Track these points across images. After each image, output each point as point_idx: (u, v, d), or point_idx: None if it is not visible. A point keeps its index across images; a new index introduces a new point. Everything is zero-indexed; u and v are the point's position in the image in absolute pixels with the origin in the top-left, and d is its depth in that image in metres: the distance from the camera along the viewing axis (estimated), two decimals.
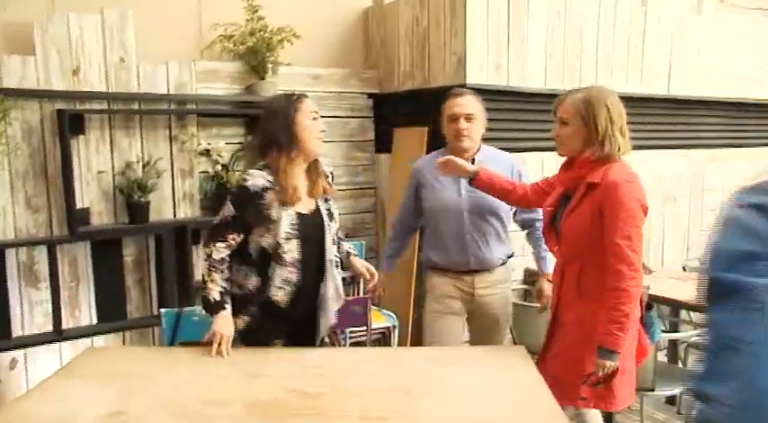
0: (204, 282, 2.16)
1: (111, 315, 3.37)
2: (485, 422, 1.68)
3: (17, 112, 3.04)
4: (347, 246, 2.43)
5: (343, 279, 2.34)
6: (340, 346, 2.19)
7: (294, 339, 2.22)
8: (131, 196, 3.25)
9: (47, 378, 1.95)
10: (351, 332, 3.17)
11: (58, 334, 3.16)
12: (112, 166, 3.30)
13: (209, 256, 2.14)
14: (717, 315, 0.74)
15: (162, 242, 3.37)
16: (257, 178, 2.10)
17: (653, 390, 2.78)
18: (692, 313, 3.66)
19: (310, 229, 2.16)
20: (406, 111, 3.87)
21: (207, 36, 3.60)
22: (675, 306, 3.43)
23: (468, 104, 2.59)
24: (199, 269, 3.53)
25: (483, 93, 3.38)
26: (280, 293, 2.14)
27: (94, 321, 3.34)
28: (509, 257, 2.72)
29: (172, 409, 1.72)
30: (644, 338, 2.17)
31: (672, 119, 4.43)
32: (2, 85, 2.98)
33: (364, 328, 3.04)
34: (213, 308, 2.12)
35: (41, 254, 3.16)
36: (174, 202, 3.48)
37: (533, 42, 3.68)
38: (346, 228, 3.98)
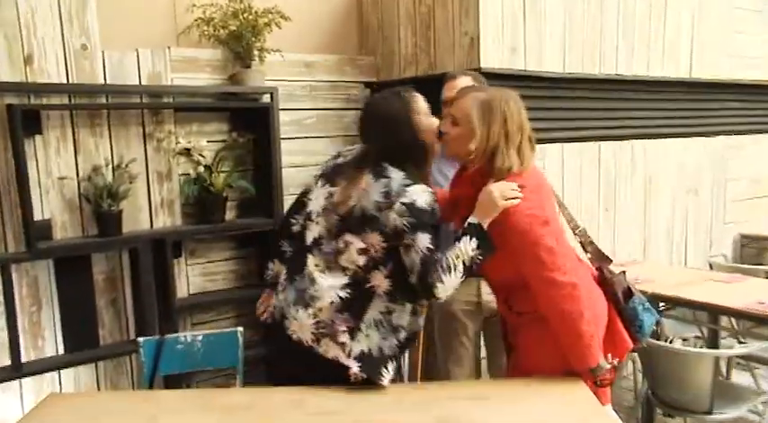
0: (456, 258, 1.80)
1: (81, 343, 2.95)
2: None
3: None
4: None
5: None
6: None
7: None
8: (100, 205, 2.86)
9: None
10: None
11: (17, 369, 2.72)
12: (77, 171, 2.90)
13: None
14: None
15: (138, 257, 2.97)
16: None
17: (710, 413, 2.46)
18: (733, 320, 3.32)
19: None
20: None
21: (183, 19, 3.20)
22: (713, 312, 3.09)
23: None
24: (181, 286, 3.18)
25: (498, 78, 3.05)
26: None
27: (61, 351, 2.91)
28: None
29: None
30: (622, 334, 1.97)
31: (694, 104, 4.14)
32: None
33: None
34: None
35: None
36: (150, 210, 3.10)
37: (551, 21, 3.34)
38: None
